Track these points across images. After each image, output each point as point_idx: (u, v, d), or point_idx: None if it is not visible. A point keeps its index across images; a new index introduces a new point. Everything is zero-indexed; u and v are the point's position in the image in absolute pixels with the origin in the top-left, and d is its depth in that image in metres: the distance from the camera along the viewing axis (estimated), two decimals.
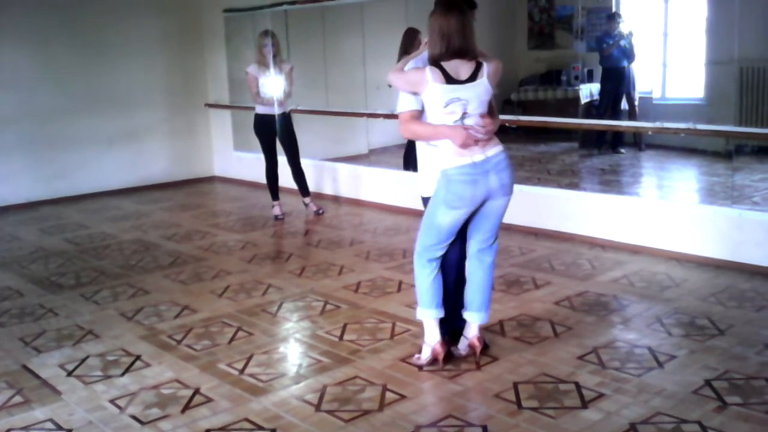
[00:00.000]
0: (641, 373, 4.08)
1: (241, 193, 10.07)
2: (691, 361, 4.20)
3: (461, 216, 4.08)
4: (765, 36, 8.12)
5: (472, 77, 3.95)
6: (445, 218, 4.08)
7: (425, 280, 4.24)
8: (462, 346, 4.36)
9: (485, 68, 3.97)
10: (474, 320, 4.27)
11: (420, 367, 4.26)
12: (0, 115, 9.36)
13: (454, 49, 3.93)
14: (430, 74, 3.94)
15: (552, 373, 4.12)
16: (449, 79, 3.93)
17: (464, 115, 3.96)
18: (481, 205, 4.07)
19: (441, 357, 4.24)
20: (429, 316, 4.26)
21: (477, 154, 3.96)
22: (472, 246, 4.24)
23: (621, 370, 4.13)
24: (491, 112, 4.13)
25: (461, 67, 3.95)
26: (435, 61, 3.96)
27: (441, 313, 4.26)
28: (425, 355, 4.29)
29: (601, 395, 3.84)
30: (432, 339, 4.26)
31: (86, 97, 9.97)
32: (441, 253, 4.21)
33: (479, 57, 4.01)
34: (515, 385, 3.99)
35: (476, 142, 3.95)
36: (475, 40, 3.99)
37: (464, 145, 3.93)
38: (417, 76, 3.99)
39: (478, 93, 3.97)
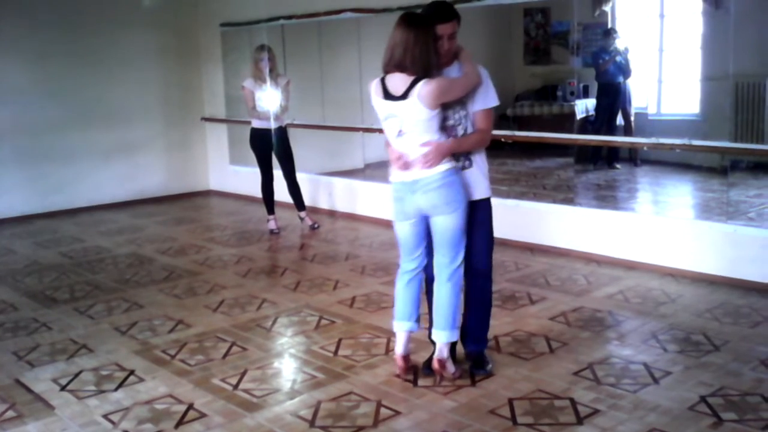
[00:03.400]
0: (636, 389, 4.07)
1: (237, 207, 10.06)
2: (687, 378, 4.20)
3: (407, 228, 4.18)
4: (760, 52, 8.13)
5: (405, 94, 3.91)
6: (397, 228, 4.25)
7: (396, 290, 4.37)
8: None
9: (418, 87, 3.87)
10: (436, 338, 4.23)
11: (414, 381, 4.25)
12: None
13: (394, 62, 3.92)
14: (374, 87, 4.05)
15: (547, 389, 4.11)
16: (387, 95, 3.97)
17: (400, 132, 3.97)
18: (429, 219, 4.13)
19: (401, 370, 4.31)
20: (395, 327, 4.35)
21: (408, 175, 4.03)
22: (434, 263, 4.24)
23: (616, 386, 4.12)
24: (446, 132, 4.03)
25: (399, 83, 3.93)
26: (383, 73, 4.02)
27: (406, 326, 4.30)
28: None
29: (596, 411, 3.83)
30: (396, 350, 4.35)
31: (82, 110, 9.97)
32: (412, 265, 4.29)
33: (446, 69, 4.00)
34: (510, 401, 3.98)
35: (406, 165, 4.00)
36: (426, 57, 3.87)
37: (397, 166, 4.05)
38: (369, 88, 4.10)
39: (410, 111, 3.91)
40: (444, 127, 4.03)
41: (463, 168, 4.11)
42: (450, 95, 3.96)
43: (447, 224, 4.06)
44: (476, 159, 4.17)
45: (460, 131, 4.07)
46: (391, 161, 4.08)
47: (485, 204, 4.23)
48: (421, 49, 3.86)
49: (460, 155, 4.10)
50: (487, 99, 4.11)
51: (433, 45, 3.90)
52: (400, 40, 3.88)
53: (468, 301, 4.33)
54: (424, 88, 3.86)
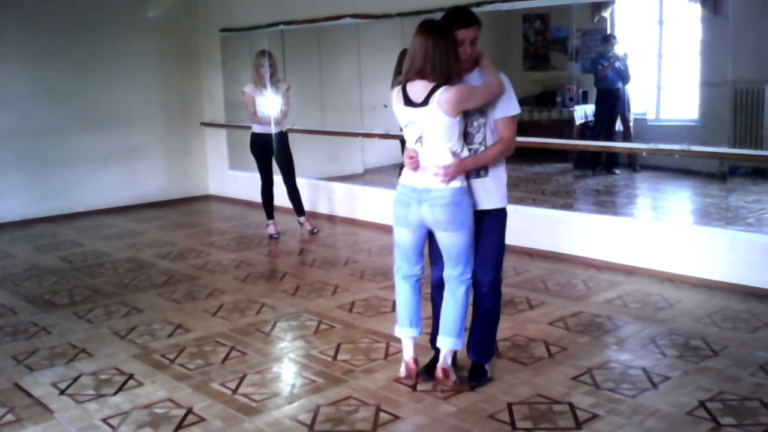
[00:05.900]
0: (635, 394, 4.08)
1: (236, 212, 10.07)
2: (686, 382, 4.20)
3: (407, 235, 4.15)
4: (759, 58, 8.14)
5: (425, 101, 3.88)
6: (396, 233, 4.22)
7: (399, 297, 4.35)
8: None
9: (437, 94, 3.84)
10: (441, 345, 4.21)
11: (413, 385, 4.25)
12: None
13: (414, 69, 3.90)
14: (395, 94, 4.04)
15: (546, 394, 4.11)
16: (407, 101, 3.95)
17: (420, 138, 3.96)
18: (432, 230, 4.09)
19: (413, 373, 4.28)
20: (400, 333, 4.35)
21: (420, 181, 4.00)
22: (444, 272, 4.20)
23: (615, 390, 4.12)
24: (463, 142, 3.98)
25: (420, 90, 3.90)
26: (405, 81, 4.00)
27: (413, 333, 4.31)
28: (402, 369, 4.35)
29: (595, 416, 3.83)
30: (405, 355, 4.33)
31: (82, 115, 9.99)
32: (412, 271, 4.28)
33: (464, 76, 3.96)
34: (509, 406, 3.98)
35: (415, 169, 3.99)
36: (446, 63, 3.84)
37: (408, 166, 4.02)
38: (391, 94, 4.09)
39: (430, 118, 3.88)
40: (464, 134, 3.99)
41: (478, 176, 4.05)
42: (470, 103, 3.91)
43: (451, 241, 4.04)
44: (493, 168, 4.10)
45: (478, 138, 4.02)
46: (404, 161, 4.04)
47: (498, 214, 4.13)
48: (441, 56, 3.83)
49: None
50: (509, 107, 4.06)
51: (454, 51, 3.86)
52: (420, 48, 3.85)
53: (474, 312, 4.28)
54: (443, 94, 3.83)
